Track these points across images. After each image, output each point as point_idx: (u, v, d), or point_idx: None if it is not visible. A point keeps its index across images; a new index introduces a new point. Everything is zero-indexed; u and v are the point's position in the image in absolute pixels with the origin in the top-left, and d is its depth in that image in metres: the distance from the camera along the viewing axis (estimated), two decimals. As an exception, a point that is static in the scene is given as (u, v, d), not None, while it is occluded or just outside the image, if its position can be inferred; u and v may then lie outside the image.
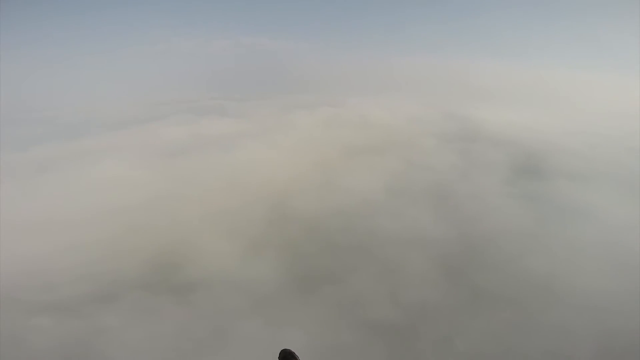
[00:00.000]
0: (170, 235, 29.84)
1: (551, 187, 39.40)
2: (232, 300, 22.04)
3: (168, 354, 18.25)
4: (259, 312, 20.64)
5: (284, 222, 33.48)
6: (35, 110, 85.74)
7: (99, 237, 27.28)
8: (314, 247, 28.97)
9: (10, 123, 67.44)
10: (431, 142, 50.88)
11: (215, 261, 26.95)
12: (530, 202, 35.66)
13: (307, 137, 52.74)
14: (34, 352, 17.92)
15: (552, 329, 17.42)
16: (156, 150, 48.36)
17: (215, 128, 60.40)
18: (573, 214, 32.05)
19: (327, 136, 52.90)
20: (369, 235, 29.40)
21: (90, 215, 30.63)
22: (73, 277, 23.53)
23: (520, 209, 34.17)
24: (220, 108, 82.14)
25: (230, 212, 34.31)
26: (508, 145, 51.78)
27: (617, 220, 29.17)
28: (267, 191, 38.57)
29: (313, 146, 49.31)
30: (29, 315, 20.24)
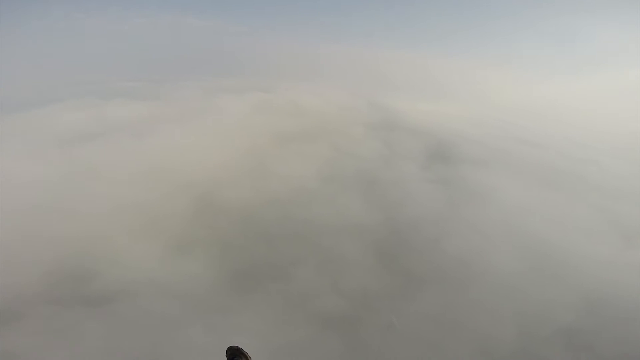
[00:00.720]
0: (76, 239, 25.60)
1: (459, 172, 44.39)
2: (162, 307, 19.97)
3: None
4: (195, 317, 19.21)
5: (213, 215, 31.59)
6: None
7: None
8: (249, 240, 27.96)
9: None
10: (359, 130, 53.01)
11: (135, 264, 24.10)
12: (442, 186, 39.69)
13: (236, 123, 50.14)
14: None
15: (475, 307, 19.96)
16: (52, 138, 40.88)
17: (125, 112, 53.34)
18: (477, 197, 36.72)
19: (257, 122, 51.03)
20: (306, 224, 29.45)
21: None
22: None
23: (435, 193, 37.89)
24: (132, 90, 73.15)
25: (146, 206, 30.91)
26: (422, 134, 56.73)
27: (511, 203, 34.42)
28: (191, 181, 35.74)
29: (243, 132, 47.16)
30: None
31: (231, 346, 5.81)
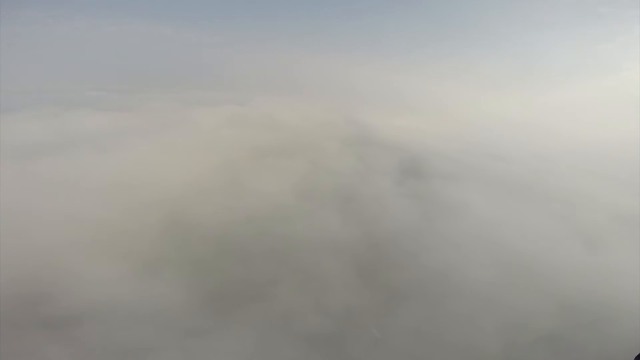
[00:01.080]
0: (33, 258, 23.57)
1: (430, 187, 45.45)
2: (132, 331, 18.65)
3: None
4: (171, 341, 18.00)
5: (184, 233, 30.15)
6: None
7: None
8: (225, 259, 26.86)
9: None
10: (334, 146, 53.19)
11: (100, 285, 22.40)
12: (416, 201, 40.37)
13: (209, 137, 48.79)
14: None
15: (458, 319, 20.09)
16: (7, 150, 37.71)
17: (89, 123, 50.58)
18: (449, 211, 37.61)
19: (232, 136, 49.92)
20: (284, 242, 28.79)
21: None
22: None
23: (410, 208, 38.45)
24: (98, 101, 69.87)
25: (111, 224, 29.07)
26: (395, 149, 57.89)
27: (481, 215, 35.55)
28: (159, 198, 34.08)
29: (216, 146, 45.87)
30: None
31: None
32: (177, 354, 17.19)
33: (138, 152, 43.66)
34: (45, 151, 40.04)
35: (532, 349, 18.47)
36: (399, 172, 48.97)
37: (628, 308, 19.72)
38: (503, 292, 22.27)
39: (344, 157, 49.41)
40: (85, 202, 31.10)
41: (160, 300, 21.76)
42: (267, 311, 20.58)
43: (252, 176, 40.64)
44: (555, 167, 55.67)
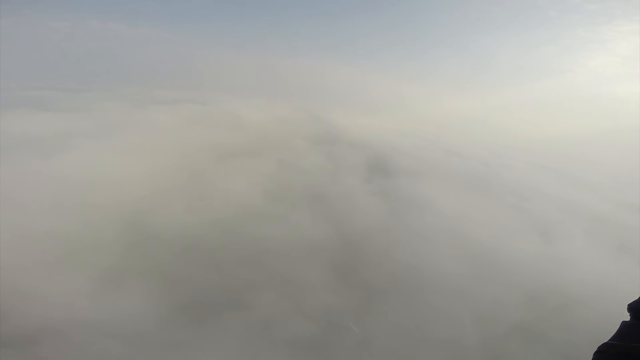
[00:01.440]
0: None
1: (396, 183, 46.75)
2: (101, 349, 17.22)
3: None
4: (146, 358, 16.68)
5: (148, 242, 28.17)
6: None
7: None
8: (195, 267, 25.45)
9: None
10: (302, 144, 52.72)
11: (58, 301, 20.34)
12: (385, 198, 41.30)
13: (169, 137, 46.01)
14: None
15: (435, 314, 20.64)
16: None
17: (31, 125, 45.58)
18: (416, 206, 38.93)
19: (194, 136, 47.46)
20: (256, 244, 27.87)
21: None
22: None
23: (379, 205, 39.23)
24: (41, 100, 62.93)
25: (60, 235, 26.45)
26: (362, 147, 58.78)
27: (445, 210, 37.14)
28: (115, 204, 31.61)
29: (177, 147, 43.35)
30: None
31: None
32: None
33: (88, 155, 40.12)
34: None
35: (506, 340, 19.42)
36: (367, 170, 49.67)
37: (584, 294, 21.56)
38: (473, 284, 23.30)
39: (312, 156, 49.03)
40: (31, 212, 28.03)
41: (128, 313, 20.26)
42: (246, 318, 19.78)
43: (217, 177, 39.01)
44: (507, 162, 59.80)
